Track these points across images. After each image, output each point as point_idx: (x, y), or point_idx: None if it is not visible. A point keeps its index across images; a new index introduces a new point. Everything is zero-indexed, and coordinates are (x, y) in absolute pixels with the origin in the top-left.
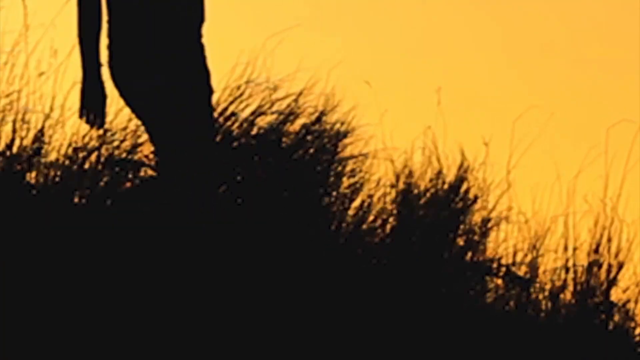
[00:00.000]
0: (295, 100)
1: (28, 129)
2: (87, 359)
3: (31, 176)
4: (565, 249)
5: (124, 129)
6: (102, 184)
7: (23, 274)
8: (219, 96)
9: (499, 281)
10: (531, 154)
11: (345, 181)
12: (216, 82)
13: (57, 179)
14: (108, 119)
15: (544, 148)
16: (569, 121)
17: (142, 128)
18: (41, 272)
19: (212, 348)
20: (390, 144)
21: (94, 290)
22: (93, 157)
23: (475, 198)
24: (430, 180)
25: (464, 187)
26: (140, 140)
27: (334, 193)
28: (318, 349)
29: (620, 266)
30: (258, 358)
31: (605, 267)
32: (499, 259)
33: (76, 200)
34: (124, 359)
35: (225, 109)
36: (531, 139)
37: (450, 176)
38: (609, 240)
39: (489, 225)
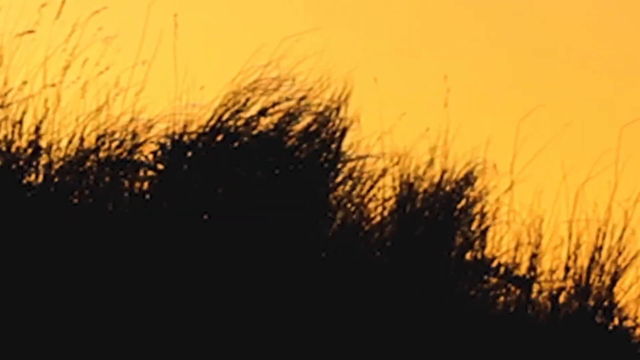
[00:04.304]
0: (301, 100)
1: (27, 129)
2: (87, 357)
3: (30, 176)
4: (568, 250)
5: (124, 129)
6: (101, 184)
7: (23, 273)
8: (225, 95)
9: (499, 281)
10: (537, 152)
11: (347, 180)
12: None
13: (56, 179)
14: (107, 119)
15: (551, 148)
16: (578, 122)
17: (142, 128)
18: (41, 271)
19: (213, 347)
20: (393, 144)
21: (93, 289)
22: (92, 157)
23: (477, 199)
24: (432, 180)
25: (466, 187)
26: (139, 141)
27: (335, 193)
28: (318, 347)
29: (621, 268)
30: (259, 357)
31: (606, 268)
32: (499, 258)
33: (75, 200)
34: (124, 358)
35: (228, 108)
36: (538, 139)
37: (452, 176)
38: (618, 240)
39: (490, 225)
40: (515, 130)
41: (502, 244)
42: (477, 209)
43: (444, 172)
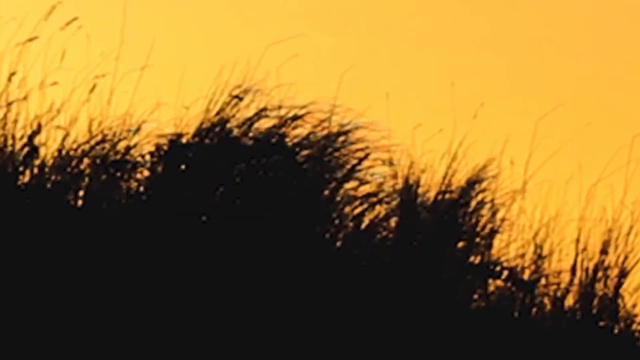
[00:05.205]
0: (303, 108)
1: (23, 130)
2: (86, 357)
3: (25, 177)
4: (575, 252)
5: (120, 129)
6: (97, 184)
7: (18, 274)
8: (219, 99)
9: (503, 284)
10: (552, 154)
11: (349, 183)
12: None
13: (52, 180)
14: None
15: (567, 149)
16: (595, 122)
17: (138, 128)
18: (37, 272)
19: (212, 348)
20: (395, 146)
21: (90, 290)
22: (88, 157)
23: (485, 200)
24: (439, 181)
25: (472, 190)
26: (136, 141)
27: (337, 195)
28: (320, 348)
29: (627, 271)
30: (259, 358)
31: (612, 271)
32: (503, 261)
33: (71, 201)
34: (122, 358)
35: (223, 109)
36: (555, 140)
37: (460, 177)
38: (617, 246)
39: (498, 228)
40: (532, 130)
41: (508, 245)
42: (485, 210)
43: (451, 172)
